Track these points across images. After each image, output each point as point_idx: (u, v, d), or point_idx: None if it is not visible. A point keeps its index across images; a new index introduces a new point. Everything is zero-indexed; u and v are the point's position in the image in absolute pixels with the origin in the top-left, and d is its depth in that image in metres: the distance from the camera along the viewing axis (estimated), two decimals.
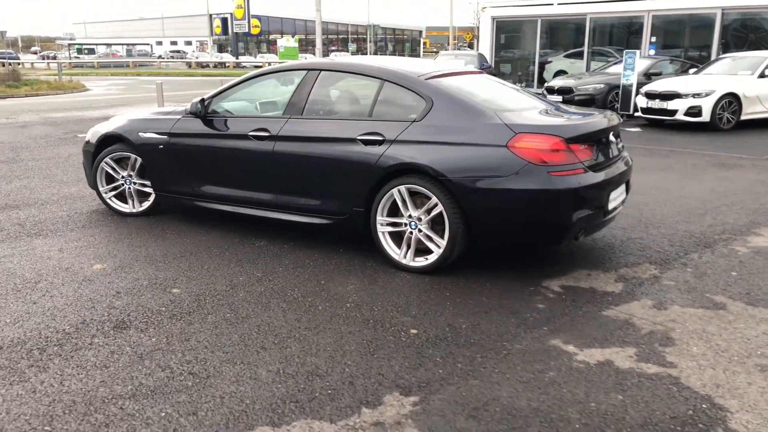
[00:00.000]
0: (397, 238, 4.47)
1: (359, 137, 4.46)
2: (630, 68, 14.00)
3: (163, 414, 2.73)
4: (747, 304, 3.90)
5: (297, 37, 53.83)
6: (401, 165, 4.30)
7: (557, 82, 15.28)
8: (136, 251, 4.91)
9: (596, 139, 4.31)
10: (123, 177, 5.85)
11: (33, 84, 24.77)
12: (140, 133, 5.57)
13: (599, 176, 4.18)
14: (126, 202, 5.92)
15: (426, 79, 4.52)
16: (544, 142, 4.01)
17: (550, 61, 21.69)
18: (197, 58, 61.65)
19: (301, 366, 3.14)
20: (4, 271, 4.47)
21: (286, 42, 49.29)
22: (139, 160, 5.65)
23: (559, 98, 14.69)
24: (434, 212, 4.25)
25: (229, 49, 78.58)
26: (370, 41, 75.48)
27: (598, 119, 4.47)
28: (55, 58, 63.89)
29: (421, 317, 3.71)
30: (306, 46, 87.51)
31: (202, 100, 5.25)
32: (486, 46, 22.45)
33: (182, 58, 63.19)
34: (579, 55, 20.68)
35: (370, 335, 3.48)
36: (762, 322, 3.65)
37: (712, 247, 4.99)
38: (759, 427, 2.65)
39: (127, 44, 72.13)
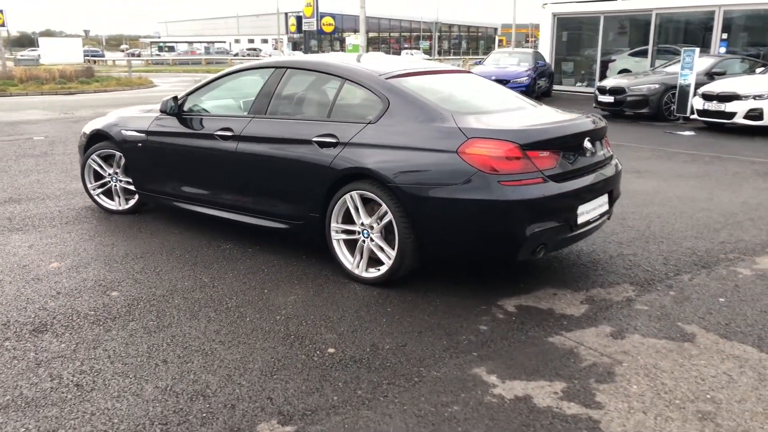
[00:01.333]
0: (353, 246, 4.22)
1: (315, 139, 4.24)
2: (688, 67, 13.12)
3: (22, 431, 2.60)
4: (721, 336, 3.43)
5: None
6: (352, 169, 4.05)
7: (609, 82, 14.52)
8: (100, 250, 4.86)
9: (564, 146, 3.92)
10: (110, 174, 5.84)
11: (103, 80, 25.81)
12: (123, 131, 5.54)
13: (562, 187, 3.79)
14: (113, 200, 5.91)
15: (386, 79, 4.24)
16: (497, 148, 3.66)
17: (614, 60, 20.72)
18: (269, 55, 62.80)
19: (192, 384, 2.95)
20: None
21: (354, 40, 49.35)
22: (124, 157, 5.62)
23: (611, 99, 13.96)
24: (384, 221, 3.98)
25: (302, 47, 79.85)
26: (433, 38, 74.72)
27: (568, 124, 4.07)
28: (139, 55, 66.81)
29: (347, 335, 3.45)
30: (379, 43, 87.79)
31: (175, 98, 5.16)
32: (546, 44, 21.70)
33: (256, 56, 64.50)
34: (645, 54, 19.66)
35: (283, 353, 3.25)
36: (728, 359, 3.19)
37: (711, 268, 4.48)
38: None
39: (207, 42, 74.52)
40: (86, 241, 5.11)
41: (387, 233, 4.03)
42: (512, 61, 18.08)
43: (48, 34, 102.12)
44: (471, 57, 63.39)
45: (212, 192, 4.94)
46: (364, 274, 4.14)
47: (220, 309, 3.79)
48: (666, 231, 5.37)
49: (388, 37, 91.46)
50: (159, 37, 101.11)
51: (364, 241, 4.12)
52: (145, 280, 4.25)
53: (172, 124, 5.15)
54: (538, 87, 18.21)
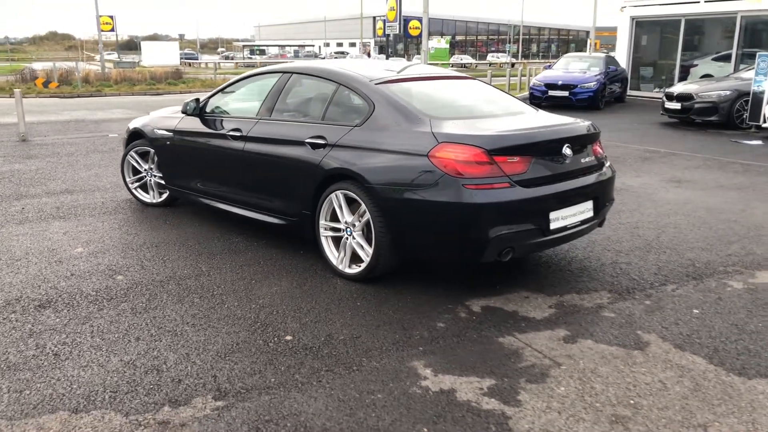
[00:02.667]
0: (339, 243, 4.45)
1: (308, 140, 4.49)
2: (762, 73, 12.51)
3: None
4: (675, 346, 3.41)
5: (447, 38, 53.82)
6: (337, 170, 4.27)
7: (677, 88, 14.01)
8: (123, 238, 5.32)
9: (539, 152, 3.98)
10: (145, 170, 6.33)
11: (189, 82, 27.23)
12: (155, 130, 6.01)
13: (531, 192, 3.86)
14: (148, 193, 6.40)
15: (376, 84, 4.43)
16: (464, 152, 3.78)
17: (696, 65, 19.91)
18: (352, 57, 63.88)
19: (153, 359, 3.27)
20: (3, 249, 5.05)
21: (436, 43, 49.60)
22: (156, 154, 6.08)
23: (678, 106, 13.48)
24: (364, 220, 4.18)
25: (390, 50, 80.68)
26: (518, 41, 73.54)
27: (544, 130, 4.12)
28: (232, 58, 69.64)
29: (309, 325, 3.68)
30: (465, 46, 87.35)
31: (197, 100, 5.55)
32: (623, 48, 21.10)
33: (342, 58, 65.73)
34: (729, 58, 18.78)
35: (244, 337, 3.52)
36: (671, 368, 3.18)
37: (702, 280, 4.39)
38: None
39: (297, 46, 76.68)
40: (114, 229, 5.59)
41: (368, 232, 4.22)
42: (582, 65, 17.71)
43: (154, 38, 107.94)
44: (542, 61, 61.93)
45: (224, 188, 5.29)
46: (347, 270, 4.35)
47: (205, 296, 4.11)
48: (675, 241, 5.27)
49: (476, 40, 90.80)
50: (254, 41, 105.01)
51: (347, 239, 4.33)
52: (150, 267, 4.63)
53: (195, 125, 5.55)
54: (609, 92, 17.76)
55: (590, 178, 4.28)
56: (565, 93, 16.63)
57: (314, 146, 4.44)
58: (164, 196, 6.29)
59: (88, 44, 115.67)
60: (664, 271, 4.56)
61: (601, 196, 4.38)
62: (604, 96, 17.15)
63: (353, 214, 4.27)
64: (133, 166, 6.41)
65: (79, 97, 21.79)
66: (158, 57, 51.24)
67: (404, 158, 3.97)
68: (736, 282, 4.35)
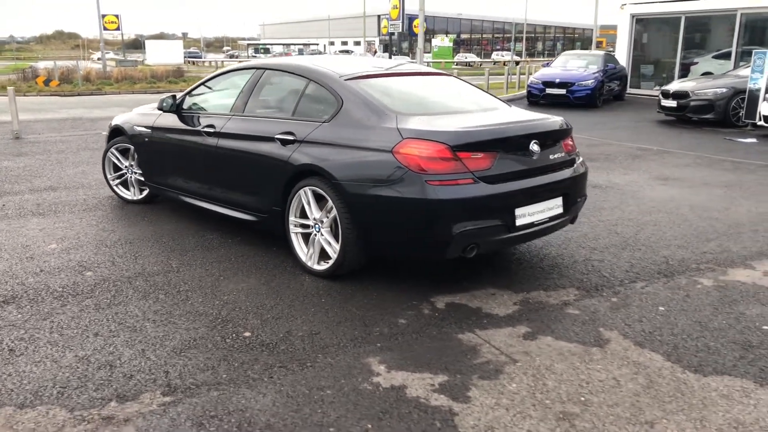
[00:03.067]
0: (309, 240, 4.43)
1: (277, 136, 4.48)
2: (758, 70, 12.43)
3: None
4: (635, 343, 3.38)
5: (451, 36, 53.72)
6: (304, 166, 4.25)
7: (673, 86, 13.93)
8: (99, 235, 5.32)
9: (504, 147, 3.95)
10: (126, 166, 6.33)
11: (191, 80, 27.24)
12: (134, 126, 6.00)
13: (495, 188, 3.83)
14: (129, 190, 6.40)
15: (345, 80, 4.41)
16: (427, 148, 3.76)
17: (696, 62, 19.79)
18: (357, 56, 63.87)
19: (108, 355, 3.26)
20: None
21: (440, 42, 49.52)
22: (135, 151, 6.08)
23: (674, 103, 13.40)
24: (331, 216, 4.16)
25: (394, 48, 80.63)
26: (514, 40, 73.34)
27: (510, 126, 4.09)
28: (237, 57, 69.80)
29: (270, 321, 3.66)
30: (471, 45, 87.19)
31: (174, 96, 5.54)
32: (623, 46, 21.01)
33: None
34: (729, 56, 18.66)
35: (202, 333, 3.51)
36: (628, 365, 3.15)
37: (672, 277, 4.36)
38: None
39: (301, 44, 76.75)
40: (91, 226, 5.59)
41: (335, 228, 4.20)
42: (580, 63, 17.63)
43: (161, 37, 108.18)
44: (547, 59, 61.73)
45: (199, 185, 5.28)
46: (316, 267, 4.33)
47: (171, 292, 4.09)
48: (652, 239, 5.23)
49: (481, 38, 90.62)
50: (259, 40, 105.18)
51: (315, 236, 4.31)
52: (121, 263, 4.63)
53: (172, 121, 5.54)
54: (608, 90, 17.68)
55: (559, 175, 4.25)
56: (563, 91, 16.57)
57: (284, 142, 4.42)
58: (144, 193, 6.29)
59: (93, 43, 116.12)
60: (636, 268, 4.53)
61: (571, 192, 4.34)
62: (602, 94, 17.08)
63: (321, 211, 4.25)
64: (114, 163, 6.41)
65: (79, 95, 21.85)
66: (162, 56, 51.49)
67: (369, 154, 3.95)
68: (707, 279, 4.32)
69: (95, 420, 2.70)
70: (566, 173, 4.31)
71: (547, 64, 20.02)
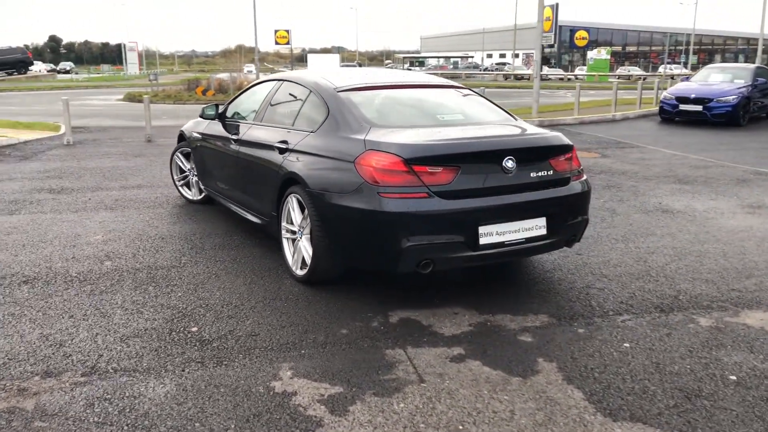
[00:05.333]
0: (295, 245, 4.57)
1: (276, 144, 4.68)
2: None
3: None
4: (564, 378, 3.14)
5: (608, 48, 51.12)
6: (290, 173, 4.41)
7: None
8: (142, 230, 5.85)
9: (469, 163, 3.82)
10: (188, 169, 6.88)
11: None
12: (192, 132, 6.52)
13: (451, 204, 3.72)
14: (191, 190, 6.95)
15: (338, 91, 4.51)
16: (382, 160, 3.76)
17: None
18: (513, 70, 63.04)
19: (66, 335, 3.62)
20: (43, 231, 5.78)
21: (596, 54, 47.44)
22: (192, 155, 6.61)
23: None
24: (308, 223, 4.27)
25: (553, 61, 78.53)
26: (685, 52, 67.92)
27: (477, 141, 3.93)
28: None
29: (223, 320, 3.84)
30: (637, 57, 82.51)
31: (216, 105, 5.95)
32: None
33: (501, 71, 65.06)
34: None
35: (157, 325, 3.77)
36: (536, 399, 2.94)
37: (668, 313, 3.95)
38: None
39: (458, 57, 77.26)
40: (142, 221, 6.15)
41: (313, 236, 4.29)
42: (724, 77, 16.14)
43: (327, 51, 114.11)
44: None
45: (227, 186, 5.64)
46: (298, 272, 4.46)
47: (161, 285, 4.43)
48: (681, 271, 4.75)
49: (649, 50, 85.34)
50: (419, 53, 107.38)
51: (298, 242, 4.44)
52: (140, 256, 5.07)
53: (215, 128, 5.95)
54: (760, 106, 16.03)
55: (541, 194, 4.02)
56: (699, 107, 15.28)
57: (280, 150, 4.61)
58: (204, 193, 6.78)
59: (268, 57, 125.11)
60: (635, 300, 4.15)
61: (557, 213, 4.09)
62: (749, 111, 15.50)
63: (303, 218, 4.37)
64: (179, 166, 6.98)
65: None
66: (321, 68, 54.38)
67: (337, 164, 4.02)
68: (707, 319, 3.86)
69: (12, 390, 3.02)
70: (551, 192, 4.06)
71: (687, 79, 18.52)
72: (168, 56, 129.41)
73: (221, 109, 5.96)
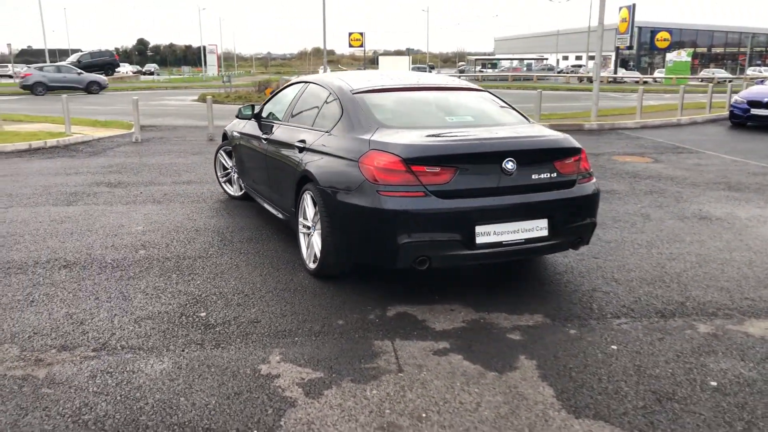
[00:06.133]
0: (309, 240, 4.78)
1: (296, 143, 4.91)
2: None
3: None
4: (540, 376, 3.20)
5: (689, 50, 48.99)
6: (305, 171, 4.62)
7: None
8: (180, 222, 6.21)
9: (468, 163, 3.92)
10: (230, 166, 7.24)
11: None
12: (233, 131, 6.86)
13: (447, 203, 3.83)
14: (233, 186, 7.30)
15: (354, 93, 4.68)
16: (383, 160, 3.91)
17: None
18: (588, 72, 61.54)
19: (88, 314, 3.95)
20: (92, 221, 6.24)
21: (675, 56, 45.65)
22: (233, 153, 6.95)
23: None
24: (318, 219, 4.47)
25: (631, 63, 76.10)
26: (749, 54, 64.13)
27: (478, 143, 4.01)
28: (463, 72, 71.59)
29: (231, 307, 4.08)
30: (724, 59, 78.95)
31: (252, 106, 6.25)
32: None
33: (575, 73, 63.63)
34: None
35: (170, 309, 4.05)
36: (507, 394, 3.02)
37: (667, 319, 3.92)
38: None
39: (532, 59, 76.09)
40: (183, 215, 6.52)
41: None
42: None
43: (399, 53, 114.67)
44: None
45: (257, 182, 5.93)
46: (310, 265, 4.67)
47: (184, 273, 4.73)
48: (698, 278, 4.67)
49: (737, 51, 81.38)
50: (493, 54, 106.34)
51: (311, 236, 4.65)
52: (172, 247, 5.41)
53: (250, 128, 6.25)
54: None
55: (543, 195, 4.07)
56: None
57: (300, 149, 4.83)
58: (244, 190, 7.11)
59: (343, 59, 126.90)
60: (638, 305, 4.13)
61: (560, 215, 4.12)
62: None
63: (316, 215, 4.57)
64: (222, 163, 7.34)
65: None
66: (390, 70, 54.90)
67: (343, 163, 4.19)
68: (707, 326, 3.81)
69: (29, 360, 3.36)
70: (554, 194, 4.10)
71: (761, 82, 17.68)
72: (247, 58, 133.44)
73: (257, 109, 6.24)
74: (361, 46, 46.27)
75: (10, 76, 50.24)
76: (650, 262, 5.00)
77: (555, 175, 4.13)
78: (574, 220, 4.22)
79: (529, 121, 4.75)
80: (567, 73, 66.76)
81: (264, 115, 6.17)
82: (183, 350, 3.47)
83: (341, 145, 4.32)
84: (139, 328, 3.75)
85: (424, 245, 3.85)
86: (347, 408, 2.89)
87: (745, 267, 4.91)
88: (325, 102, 4.94)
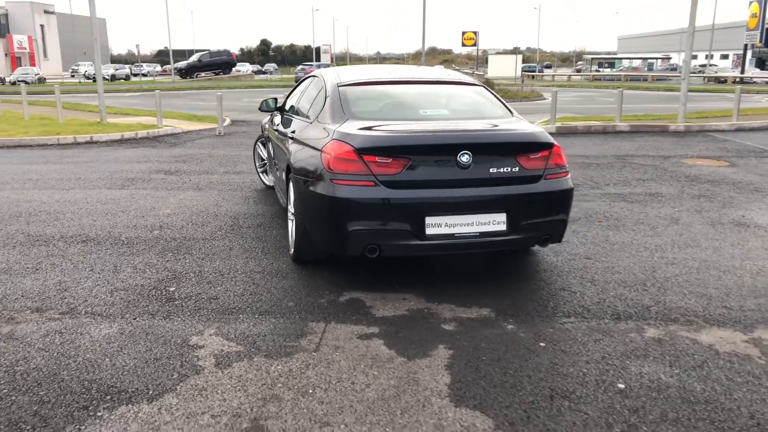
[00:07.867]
0: None
1: (289, 133, 5.14)
2: None
3: None
4: (445, 366, 3.21)
5: None
6: (287, 160, 4.84)
7: None
8: (208, 208, 6.63)
9: (421, 155, 3.96)
10: (265, 157, 7.60)
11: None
12: (266, 124, 7.21)
13: (396, 193, 3.90)
14: (268, 176, 7.67)
15: (339, 86, 4.84)
16: (339, 149, 4.04)
17: None
18: (716, 72, 57.66)
19: (76, 284, 4.37)
20: (130, 203, 6.80)
21: None
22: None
23: None
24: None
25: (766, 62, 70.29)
26: None
27: (430, 135, 4.02)
28: (580, 71, 69.29)
29: (202, 284, 4.36)
30: None
31: (275, 99, 6.55)
32: None
33: (702, 73, 59.59)
34: None
35: (149, 283, 4.39)
36: (396, 378, 3.06)
37: (618, 321, 3.77)
38: None
39: (655, 58, 72.34)
40: (213, 201, 6.94)
41: None
42: None
43: (513, 52, 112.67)
44: None
45: (272, 173, 6.21)
46: (291, 251, 4.88)
47: (179, 252, 5.09)
48: (685, 284, 4.41)
49: None
50: (615, 53, 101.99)
51: (292, 223, 4.86)
52: (187, 229, 5.80)
53: (275, 120, 6.56)
54: None
55: (500, 190, 4.03)
56: None
57: (291, 140, 5.05)
58: None
59: (458, 59, 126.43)
60: (598, 306, 3.99)
61: (521, 210, 4.06)
62: None
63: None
64: (259, 154, 7.72)
65: None
66: (502, 69, 54.25)
67: (310, 152, 4.36)
68: (657, 330, 3.63)
69: (3, 318, 3.79)
70: (514, 189, 4.05)
71: None
72: (362, 57, 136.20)
73: (280, 102, 6.53)
74: (475, 44, 46.01)
75: (145, 75, 54.35)
76: (643, 266, 4.78)
77: (517, 169, 4.08)
78: (539, 216, 4.14)
79: (512, 115, 4.68)
80: (693, 72, 62.69)
81: (286, 108, 6.44)
82: (134, 319, 3.78)
83: (313, 135, 4.49)
84: (110, 298, 4.11)
85: (374, 234, 3.94)
86: (244, 380, 3.06)
87: (747, 276, 4.58)
88: (317, 94, 5.12)
